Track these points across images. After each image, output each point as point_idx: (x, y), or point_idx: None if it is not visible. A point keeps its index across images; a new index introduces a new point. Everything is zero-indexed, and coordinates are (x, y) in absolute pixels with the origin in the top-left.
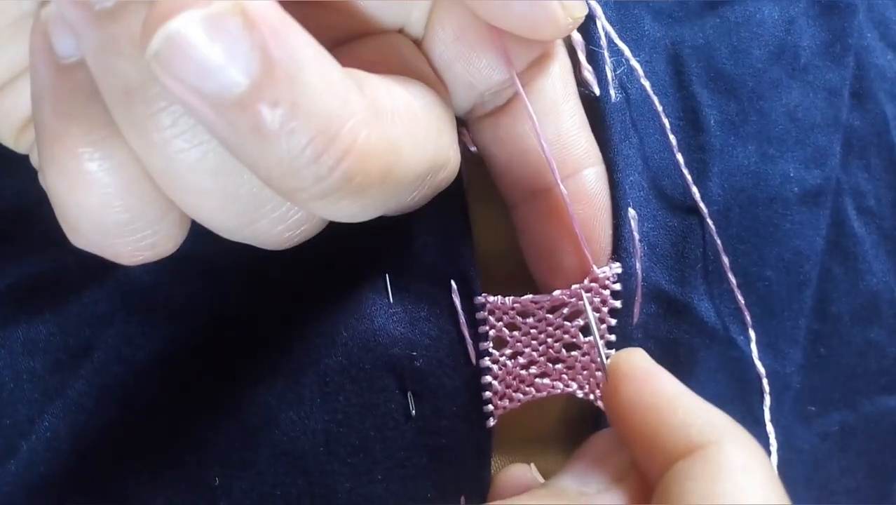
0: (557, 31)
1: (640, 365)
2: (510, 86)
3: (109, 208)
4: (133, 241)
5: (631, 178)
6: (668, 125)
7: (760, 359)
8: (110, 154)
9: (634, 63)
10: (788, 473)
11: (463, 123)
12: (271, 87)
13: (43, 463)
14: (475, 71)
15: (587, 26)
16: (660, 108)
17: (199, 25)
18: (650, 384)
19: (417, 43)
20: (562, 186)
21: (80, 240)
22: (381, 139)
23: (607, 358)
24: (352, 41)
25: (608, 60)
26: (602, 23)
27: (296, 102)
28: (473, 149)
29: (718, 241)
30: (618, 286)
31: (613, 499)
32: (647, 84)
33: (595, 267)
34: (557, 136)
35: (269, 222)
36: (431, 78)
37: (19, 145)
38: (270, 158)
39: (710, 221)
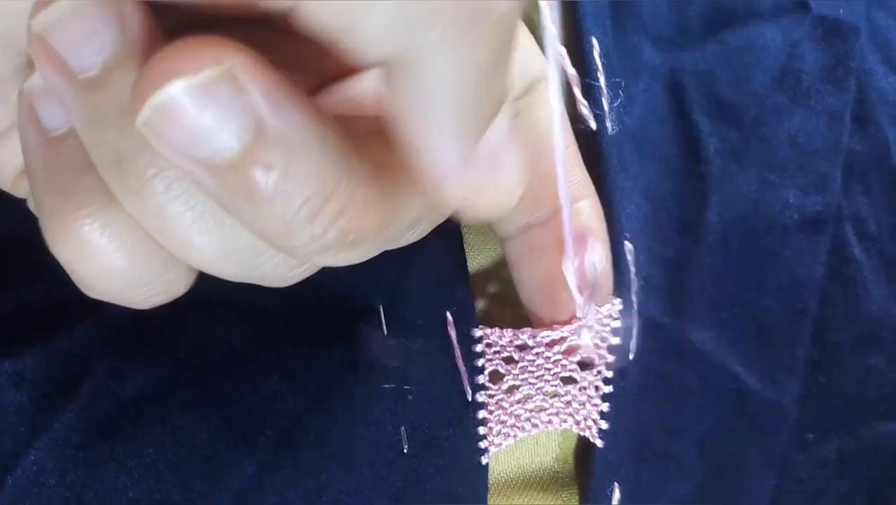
0: (445, 206)
1: None
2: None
3: (117, 271)
4: (145, 292)
5: (627, 210)
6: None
7: (759, 390)
8: (110, 222)
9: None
10: (786, 501)
11: None
12: (264, 151)
13: (28, 498)
14: None
15: (584, 57)
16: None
17: (189, 94)
18: None
19: None
20: (566, 218)
21: (94, 295)
22: (377, 194)
23: None
24: (342, 79)
25: (605, 93)
26: (597, 54)
27: (289, 165)
28: None
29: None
30: (617, 323)
31: None
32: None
33: (595, 306)
34: (551, 169)
35: (272, 266)
36: None
37: (17, 190)
38: (265, 219)
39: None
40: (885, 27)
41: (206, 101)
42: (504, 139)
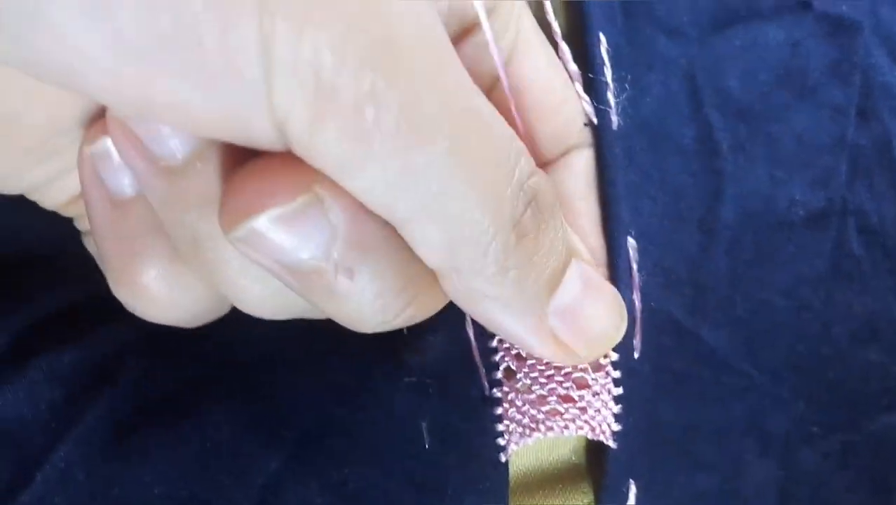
0: (553, 361)
1: None
2: None
3: (177, 313)
4: (198, 321)
5: (637, 204)
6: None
7: (762, 385)
8: (176, 280)
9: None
10: (793, 492)
11: None
12: (345, 261)
13: (57, 492)
14: None
15: (591, 51)
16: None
17: (280, 220)
18: None
19: None
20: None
21: (152, 322)
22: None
23: None
24: None
25: (611, 87)
26: (603, 49)
27: (365, 269)
28: None
29: None
30: None
31: None
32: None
33: None
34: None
35: (321, 314)
36: None
37: (66, 212)
38: (340, 309)
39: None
40: (891, 21)
41: (296, 224)
42: (578, 296)
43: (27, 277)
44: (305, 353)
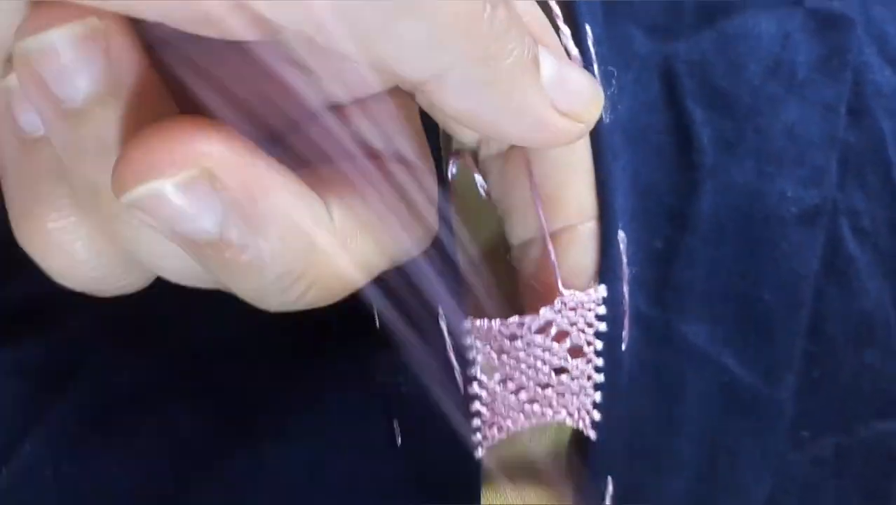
0: (567, 139)
1: None
2: None
3: (83, 270)
4: (110, 286)
5: (619, 200)
6: None
7: (754, 384)
8: (77, 229)
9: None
10: (782, 499)
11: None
12: (240, 235)
13: (23, 488)
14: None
15: (580, 46)
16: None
17: (170, 191)
18: None
19: None
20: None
21: (63, 284)
22: (347, 264)
23: None
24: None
25: (599, 81)
26: (590, 42)
27: (263, 248)
28: (483, 191)
29: None
30: (602, 309)
31: None
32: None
33: (578, 291)
34: (558, 188)
35: None
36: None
37: None
38: (240, 285)
39: None
40: (881, 19)
41: (188, 196)
42: (558, 66)
43: None
44: (271, 349)
